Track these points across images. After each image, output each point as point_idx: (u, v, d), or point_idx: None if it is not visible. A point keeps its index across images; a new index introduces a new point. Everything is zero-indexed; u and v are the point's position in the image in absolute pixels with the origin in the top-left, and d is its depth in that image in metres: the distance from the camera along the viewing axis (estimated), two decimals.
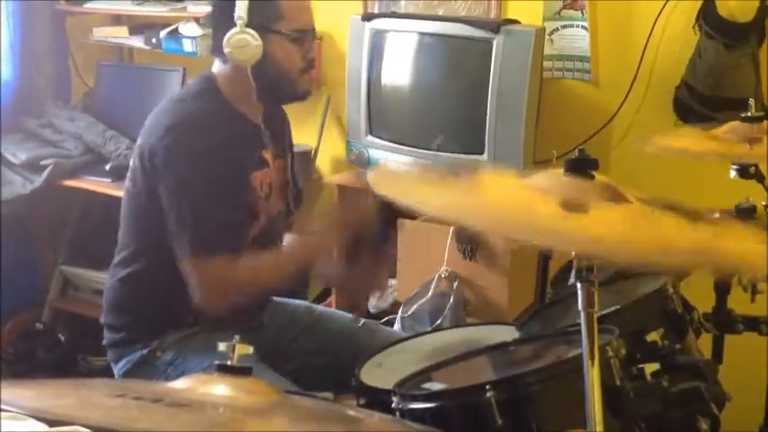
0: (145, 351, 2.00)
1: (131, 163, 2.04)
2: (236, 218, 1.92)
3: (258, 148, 2.02)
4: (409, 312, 2.71)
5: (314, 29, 2.04)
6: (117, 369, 2.05)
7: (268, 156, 2.05)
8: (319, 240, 2.03)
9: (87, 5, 3.49)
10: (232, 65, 1.97)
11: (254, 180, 1.99)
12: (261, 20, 1.93)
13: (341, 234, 1.97)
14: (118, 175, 3.02)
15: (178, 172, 1.89)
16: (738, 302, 2.06)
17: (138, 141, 2.00)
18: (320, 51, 3.31)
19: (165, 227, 1.91)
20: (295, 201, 2.19)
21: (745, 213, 1.98)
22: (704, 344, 1.81)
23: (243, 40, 1.92)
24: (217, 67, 2.02)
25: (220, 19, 1.96)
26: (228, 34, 1.92)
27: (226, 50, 1.93)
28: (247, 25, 1.92)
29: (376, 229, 1.98)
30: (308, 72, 2.03)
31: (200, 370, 1.87)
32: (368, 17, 2.93)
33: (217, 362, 1.09)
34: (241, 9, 1.91)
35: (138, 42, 3.44)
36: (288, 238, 2.15)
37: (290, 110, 2.18)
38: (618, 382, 1.33)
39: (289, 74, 1.99)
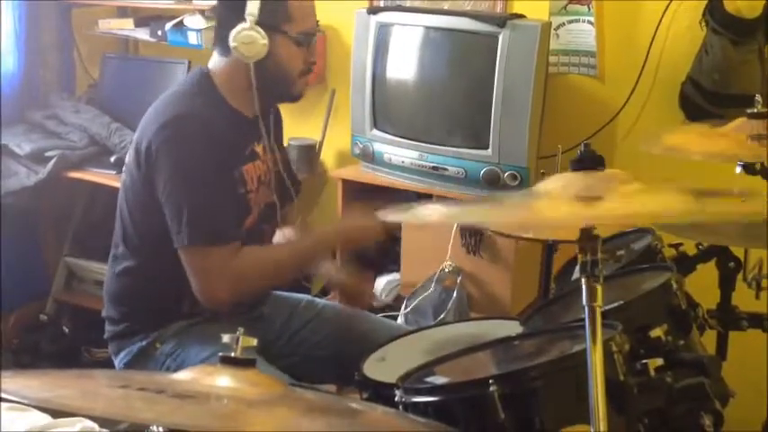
0: (144, 343, 2.01)
1: (127, 157, 2.06)
2: (230, 209, 1.93)
3: (249, 141, 2.02)
4: (412, 306, 2.71)
5: (316, 31, 2.05)
6: (117, 361, 2.06)
7: (259, 149, 2.05)
8: (330, 236, 2.07)
9: None
10: (232, 59, 1.97)
11: (246, 173, 2.00)
12: (270, 19, 1.94)
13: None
14: (122, 167, 3.00)
15: (173, 165, 1.90)
16: (743, 299, 2.06)
17: (135, 136, 2.01)
18: (325, 45, 3.31)
19: (161, 219, 1.92)
20: (289, 195, 2.18)
21: None
22: (708, 340, 1.81)
23: (251, 36, 1.93)
24: (214, 61, 2.02)
25: (227, 14, 1.97)
26: (237, 29, 1.93)
27: (232, 45, 1.94)
28: (256, 23, 1.93)
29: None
30: (306, 75, 2.05)
31: (199, 361, 1.91)
32: (373, 11, 2.93)
33: (220, 353, 1.09)
34: (253, 6, 1.92)
35: (143, 35, 3.44)
36: (286, 233, 2.15)
37: (295, 103, 2.18)
38: (621, 378, 1.33)
39: (289, 75, 2.01)
